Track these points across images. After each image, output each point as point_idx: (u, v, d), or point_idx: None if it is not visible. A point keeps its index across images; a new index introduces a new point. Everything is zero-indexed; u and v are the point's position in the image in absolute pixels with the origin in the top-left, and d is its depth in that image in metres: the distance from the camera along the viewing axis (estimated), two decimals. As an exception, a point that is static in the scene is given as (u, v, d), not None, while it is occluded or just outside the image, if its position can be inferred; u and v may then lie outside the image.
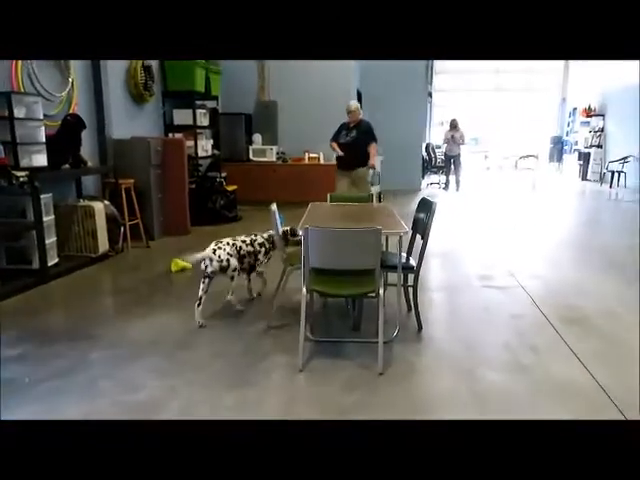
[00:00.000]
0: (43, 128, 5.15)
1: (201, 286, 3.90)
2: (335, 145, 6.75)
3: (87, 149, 6.12)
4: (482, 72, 18.13)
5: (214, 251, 3.91)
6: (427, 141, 14.74)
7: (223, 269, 3.91)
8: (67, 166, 5.59)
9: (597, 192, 13.06)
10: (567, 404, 2.87)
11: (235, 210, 8.37)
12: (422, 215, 3.91)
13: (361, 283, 3.34)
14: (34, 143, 5.03)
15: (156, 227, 6.90)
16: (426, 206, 3.87)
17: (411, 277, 3.89)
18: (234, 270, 3.94)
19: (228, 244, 3.98)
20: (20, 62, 5.16)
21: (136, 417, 2.70)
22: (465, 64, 17.26)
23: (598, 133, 15.02)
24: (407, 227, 3.68)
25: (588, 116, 15.73)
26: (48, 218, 5.08)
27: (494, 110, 19.61)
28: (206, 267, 3.89)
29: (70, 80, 5.95)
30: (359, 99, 11.51)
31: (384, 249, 3.99)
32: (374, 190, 9.11)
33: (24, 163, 4.88)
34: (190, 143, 7.84)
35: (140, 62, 7.09)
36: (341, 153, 6.69)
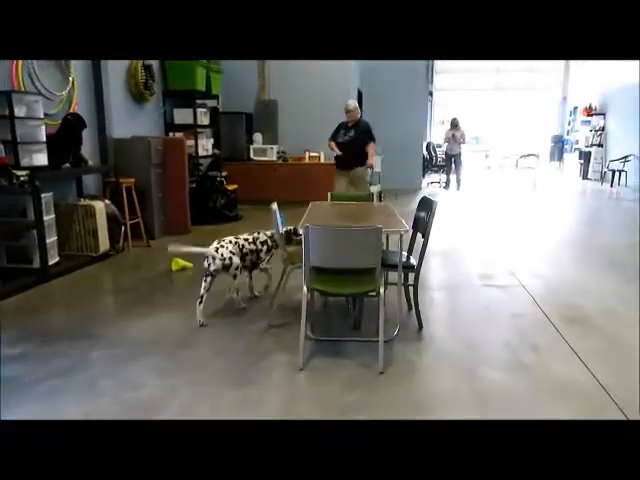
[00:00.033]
0: (44, 127, 5.15)
1: (203, 284, 3.91)
2: (333, 145, 6.75)
3: (88, 148, 6.12)
4: (483, 71, 18.11)
5: (217, 249, 3.92)
6: (428, 140, 14.74)
7: (226, 267, 3.91)
8: (68, 165, 5.59)
9: (598, 191, 13.06)
10: (568, 403, 2.87)
11: (236, 209, 8.37)
12: (423, 214, 3.91)
13: (362, 282, 3.34)
14: (35, 142, 5.03)
15: (157, 226, 6.90)
16: (427, 205, 3.87)
17: (412, 276, 3.88)
18: (236, 268, 3.95)
19: (230, 242, 3.99)
20: (20, 61, 5.16)
21: (137, 416, 2.71)
22: (466, 63, 17.24)
23: (599, 132, 15.02)
24: (408, 226, 3.68)
25: (589, 115, 15.73)
26: (49, 217, 5.08)
27: (495, 109, 19.60)
28: (209, 265, 3.90)
29: (70, 79, 5.95)
30: (359, 98, 11.51)
31: (385, 248, 3.99)
32: (374, 189, 9.11)
33: (25, 162, 4.88)
34: (191, 142, 7.84)
35: (140, 61, 7.09)
36: (339, 153, 6.69)
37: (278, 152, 9.89)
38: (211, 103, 8.81)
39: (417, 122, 13.03)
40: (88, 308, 4.34)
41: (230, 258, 3.91)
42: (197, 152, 8.06)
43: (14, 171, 4.64)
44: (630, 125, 12.81)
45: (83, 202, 5.73)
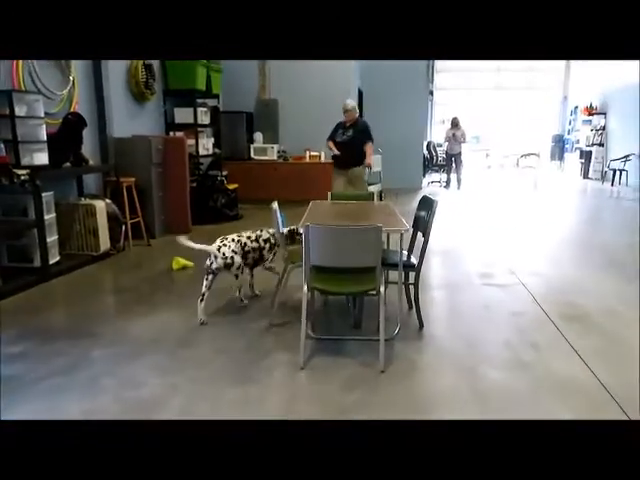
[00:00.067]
0: (44, 126, 5.15)
1: (204, 282, 3.92)
2: (331, 144, 6.76)
3: (88, 147, 6.12)
4: (483, 70, 18.12)
5: (219, 248, 3.93)
6: (428, 139, 14.73)
7: (227, 266, 3.93)
8: (68, 164, 5.59)
9: (598, 190, 13.05)
10: (568, 401, 2.88)
11: (236, 209, 8.38)
12: (423, 213, 3.92)
13: (362, 281, 3.34)
14: (35, 141, 5.04)
15: (157, 225, 6.90)
16: (427, 204, 3.87)
17: (412, 275, 3.89)
18: (238, 268, 3.96)
19: (233, 241, 4.00)
20: (21, 61, 5.16)
21: (138, 414, 2.72)
22: (466, 62, 17.24)
23: (600, 131, 15.01)
24: (408, 225, 3.68)
25: (590, 114, 15.72)
26: (49, 216, 5.09)
27: (495, 108, 19.60)
28: (211, 263, 3.92)
29: (71, 78, 5.95)
30: (360, 98, 11.51)
31: (385, 247, 3.99)
32: (375, 189, 9.11)
33: (25, 161, 4.89)
34: (191, 141, 7.84)
35: (141, 61, 7.09)
36: (337, 152, 6.69)
37: (279, 151, 9.89)
38: (212, 102, 8.81)
39: (417, 121, 13.02)
40: (89, 307, 4.34)
41: (232, 257, 3.92)
42: (198, 151, 8.07)
43: (15, 170, 4.64)
44: (631, 124, 12.81)
45: (84, 201, 5.73)
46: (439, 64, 16.21)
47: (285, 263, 3.91)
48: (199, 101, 8.24)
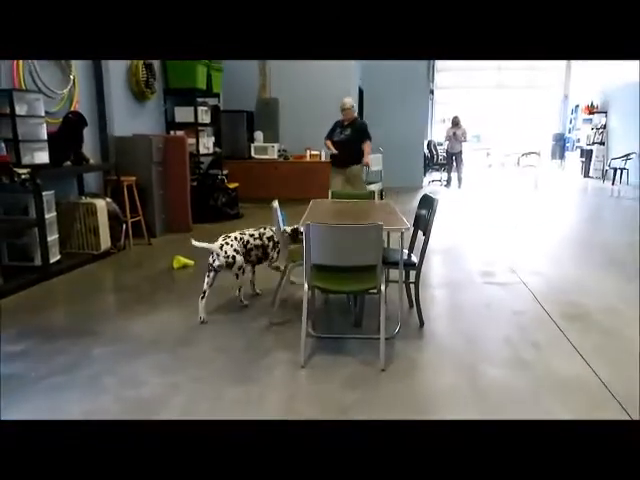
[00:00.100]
0: (45, 125, 5.15)
1: (206, 279, 3.93)
2: (329, 143, 6.75)
3: (89, 146, 6.12)
4: (484, 69, 18.10)
5: (221, 246, 3.95)
6: (429, 138, 14.73)
7: (229, 265, 3.95)
8: (69, 163, 5.59)
9: (599, 189, 13.04)
10: (569, 399, 2.88)
11: (237, 207, 8.38)
12: (424, 212, 3.92)
13: (363, 279, 3.34)
14: (36, 140, 5.03)
15: (158, 224, 6.90)
16: (428, 203, 3.87)
17: (413, 274, 3.89)
18: (239, 268, 3.96)
19: (236, 239, 4.01)
20: (21, 60, 5.16)
21: (138, 413, 2.72)
22: (467, 61, 17.22)
23: (600, 130, 15.00)
24: (409, 224, 3.68)
25: (590, 113, 15.71)
26: (50, 215, 5.09)
27: (496, 107, 19.59)
28: (213, 261, 3.93)
29: (71, 77, 5.95)
30: (360, 97, 11.51)
31: (386, 245, 3.99)
32: (375, 187, 9.10)
33: (26, 160, 4.88)
34: (192, 140, 7.83)
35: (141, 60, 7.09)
36: (335, 151, 6.68)
37: (279, 150, 9.88)
38: (212, 101, 8.79)
39: (418, 120, 13.01)
40: (89, 306, 4.34)
41: (233, 257, 3.93)
42: (198, 150, 8.06)
43: (15, 169, 4.64)
44: (632, 123, 12.80)
45: (84, 200, 5.73)
46: (439, 63, 16.20)
47: (286, 262, 3.91)
48: (200, 100, 8.23)
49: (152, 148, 6.71)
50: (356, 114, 6.86)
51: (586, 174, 15.41)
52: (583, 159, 15.74)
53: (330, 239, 3.24)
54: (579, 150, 16.33)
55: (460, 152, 13.32)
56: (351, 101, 6.77)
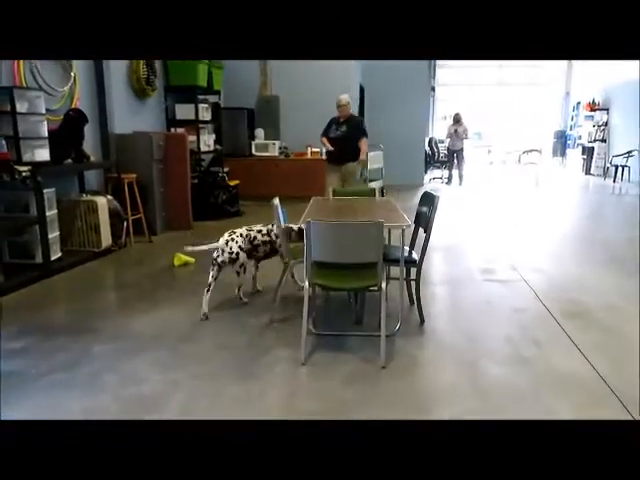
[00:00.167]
0: (45, 123, 5.15)
1: (211, 273, 3.97)
2: (325, 140, 6.73)
3: (89, 144, 6.13)
4: (485, 66, 18.07)
5: (227, 242, 3.97)
6: (430, 135, 14.71)
7: (232, 261, 3.97)
8: (70, 161, 5.59)
9: (600, 186, 13.02)
10: (569, 396, 2.88)
11: (237, 205, 8.37)
12: (425, 209, 3.91)
13: (363, 277, 3.34)
14: (36, 138, 5.04)
15: (158, 222, 6.91)
16: (429, 200, 3.86)
17: (413, 271, 3.89)
18: (240, 266, 3.98)
19: (241, 235, 4.03)
20: (22, 57, 5.16)
21: (139, 410, 2.72)
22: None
23: (602, 127, 14.96)
24: (410, 221, 3.67)
25: (592, 110, 15.67)
26: (51, 213, 5.09)
27: (497, 104, 19.57)
28: (217, 256, 3.96)
29: (72, 75, 5.95)
30: (361, 94, 11.49)
31: (386, 243, 3.99)
32: (377, 185, 9.10)
33: (27, 158, 4.89)
34: (192, 138, 7.82)
35: (142, 57, 7.08)
36: (331, 148, 6.66)
37: (280, 148, 9.87)
38: (213, 99, 8.79)
39: (419, 117, 12.99)
40: (90, 303, 4.35)
41: (237, 253, 3.95)
42: (199, 148, 8.05)
43: (16, 167, 4.65)
44: (633, 120, 12.75)
45: (85, 198, 5.74)
46: (441, 60, 16.16)
47: (287, 259, 3.91)
48: (200, 97, 8.22)
49: (153, 145, 6.71)
50: (352, 110, 6.81)
51: (587, 171, 15.38)
52: (584, 156, 15.70)
53: (331, 236, 3.24)
54: (580, 147, 16.29)
55: (461, 149, 13.31)
56: (347, 97, 6.72)
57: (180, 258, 5.39)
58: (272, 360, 3.28)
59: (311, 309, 3.54)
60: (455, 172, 13.43)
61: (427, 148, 13.83)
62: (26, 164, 4.77)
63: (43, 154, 5.08)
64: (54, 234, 5.14)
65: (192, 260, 5.39)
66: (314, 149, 9.61)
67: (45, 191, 4.92)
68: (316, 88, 9.96)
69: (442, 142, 14.50)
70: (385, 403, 2.82)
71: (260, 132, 9.95)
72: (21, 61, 5.16)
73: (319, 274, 3.35)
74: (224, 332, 3.73)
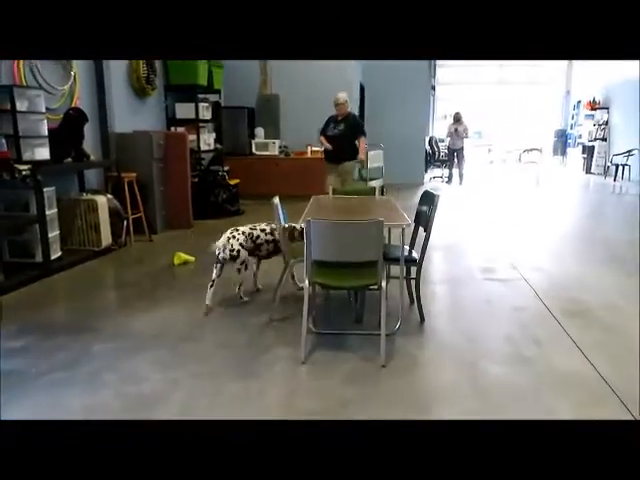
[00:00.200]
0: (45, 121, 5.15)
1: (214, 270, 4.01)
2: (323, 139, 6.72)
3: (90, 143, 6.12)
4: (486, 65, 18.04)
5: (228, 239, 4.01)
6: (430, 134, 14.70)
7: (233, 258, 4.00)
8: (70, 160, 5.59)
9: (601, 185, 13.01)
10: (569, 395, 2.87)
11: (237, 204, 8.37)
12: (425, 208, 3.91)
13: (363, 275, 3.34)
14: (36, 136, 5.04)
15: (159, 221, 6.91)
16: (429, 199, 3.86)
17: (414, 270, 3.89)
18: (242, 263, 3.98)
19: (243, 234, 4.05)
20: (22, 56, 5.16)
21: (139, 409, 2.72)
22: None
23: (602, 126, 14.95)
24: (410, 220, 3.67)
25: (592, 109, 15.66)
26: (51, 212, 5.09)
27: (498, 103, 19.53)
28: (219, 253, 3.99)
29: (72, 74, 5.94)
30: (362, 93, 11.48)
31: (387, 242, 3.98)
32: (377, 184, 9.08)
33: (27, 156, 4.89)
34: (192, 137, 7.82)
35: (142, 55, 7.08)
36: (330, 147, 6.65)
37: (280, 147, 9.87)
38: (213, 98, 8.79)
39: (420, 116, 12.98)
40: (90, 302, 4.35)
41: (238, 251, 3.96)
42: (199, 147, 8.05)
43: (16, 165, 4.65)
44: (634, 119, 12.75)
45: (85, 197, 5.74)
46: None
47: (287, 258, 3.91)
48: (200, 96, 8.22)
49: (153, 144, 6.71)
50: (350, 109, 6.79)
51: (588, 170, 15.37)
52: (585, 155, 15.69)
53: (331, 235, 3.24)
54: (581, 146, 16.28)
55: (462, 148, 13.30)
56: (345, 96, 6.69)
57: (180, 257, 5.39)
58: (272, 359, 3.28)
59: (311, 308, 3.54)
60: (455, 171, 13.42)
61: (427, 147, 13.82)
62: (26, 163, 4.77)
63: (43, 153, 5.08)
64: (54, 233, 5.14)
65: (192, 259, 5.39)
66: (314, 148, 9.60)
67: (45, 190, 4.92)
68: (316, 87, 9.95)
69: (442, 141, 14.49)
70: (385, 402, 2.82)
71: (260, 131, 9.95)
72: (21, 60, 5.16)
73: (319, 273, 3.35)
74: (224, 331, 3.73)
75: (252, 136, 9.91)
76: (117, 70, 6.73)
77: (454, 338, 3.65)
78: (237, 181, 8.50)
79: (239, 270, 4.02)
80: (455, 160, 13.39)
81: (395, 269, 3.93)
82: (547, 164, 17.21)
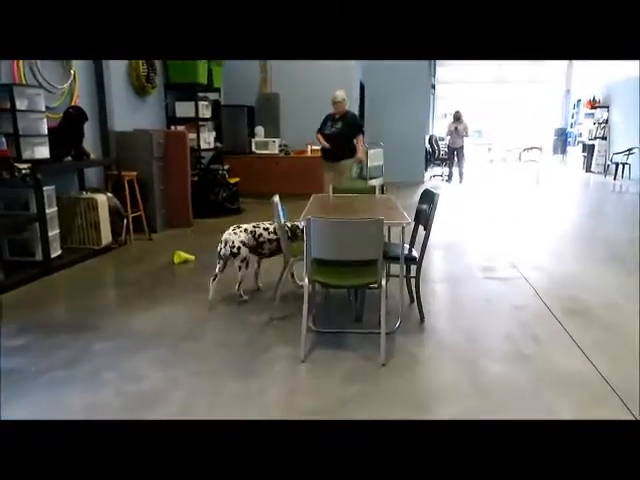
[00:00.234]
0: (45, 120, 5.15)
1: (217, 265, 4.05)
2: (321, 137, 6.71)
3: (89, 141, 6.12)
4: (486, 64, 18.01)
5: (229, 235, 4.04)
6: (430, 133, 14.69)
7: (234, 255, 4.01)
8: (69, 158, 5.59)
9: (601, 184, 13.01)
10: (569, 394, 2.88)
11: (237, 202, 8.37)
12: (425, 206, 3.91)
13: (363, 274, 3.34)
14: (36, 135, 5.03)
15: (158, 219, 6.90)
16: (429, 197, 3.86)
17: (413, 268, 3.88)
18: (242, 260, 3.99)
19: (245, 231, 4.06)
20: (22, 54, 5.15)
21: (139, 408, 2.72)
22: (468, 57, 17.12)
23: (602, 125, 14.95)
24: (410, 218, 3.67)
25: (592, 108, 15.65)
26: (51, 210, 5.09)
27: (498, 102, 19.53)
28: (220, 249, 4.01)
29: (72, 72, 5.94)
30: (362, 91, 11.47)
31: (386, 240, 3.98)
32: (377, 182, 9.09)
33: (26, 155, 4.89)
34: (192, 135, 7.82)
35: (142, 54, 7.06)
36: (327, 145, 6.64)
37: (280, 145, 9.86)
38: (213, 96, 8.78)
39: (420, 115, 12.98)
40: (90, 301, 4.35)
41: (239, 248, 3.97)
42: (199, 145, 8.05)
43: (16, 164, 4.64)
44: (634, 118, 12.74)
45: (85, 195, 5.73)
46: (441, 58, 16.15)
47: (287, 256, 3.91)
48: (200, 95, 8.21)
49: (153, 143, 6.70)
50: (348, 107, 6.78)
51: (588, 169, 15.37)
52: (585, 154, 15.69)
53: (331, 234, 3.24)
54: (581, 145, 16.27)
55: (462, 147, 13.29)
56: (342, 94, 6.67)
57: (180, 256, 5.39)
58: (272, 357, 3.28)
59: (311, 306, 3.54)
60: (455, 170, 13.42)
61: (427, 146, 13.81)
62: (26, 161, 4.77)
63: (43, 152, 5.08)
64: (54, 232, 5.14)
65: (192, 258, 5.40)
66: (314, 147, 9.56)
67: (45, 189, 4.92)
68: (316, 86, 9.93)
69: (442, 140, 14.49)
70: (385, 401, 2.82)
71: (260, 130, 9.95)
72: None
73: (319, 271, 3.35)
74: (224, 329, 3.73)
75: (252, 135, 9.91)
76: (117, 69, 6.72)
77: (454, 337, 3.66)
78: (237, 180, 8.49)
79: (240, 267, 4.02)
80: (455, 159, 13.39)
81: (395, 268, 3.93)
82: (547, 163, 17.21)
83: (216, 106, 8.76)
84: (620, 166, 13.21)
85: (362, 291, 3.84)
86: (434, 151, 14.25)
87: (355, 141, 6.72)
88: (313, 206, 4.13)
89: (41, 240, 4.91)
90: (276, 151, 9.74)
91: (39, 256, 4.94)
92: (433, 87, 15.01)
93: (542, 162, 15.96)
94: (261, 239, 4.10)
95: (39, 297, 4.44)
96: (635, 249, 5.84)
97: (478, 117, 18.63)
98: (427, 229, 3.73)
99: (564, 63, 17.82)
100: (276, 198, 3.89)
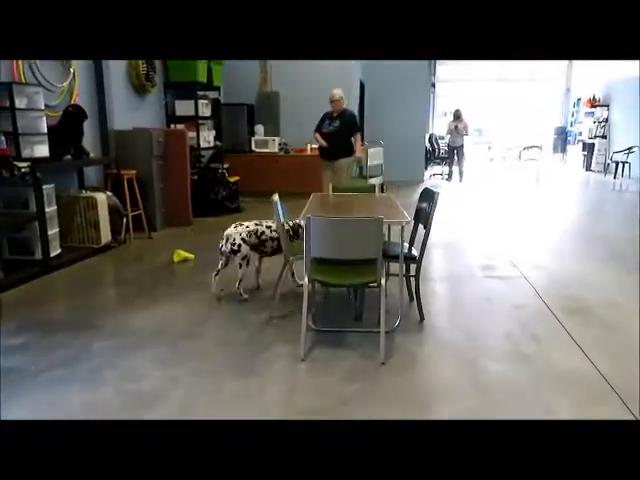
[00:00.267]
0: (45, 119, 5.13)
1: (219, 262, 4.09)
2: (318, 136, 6.70)
3: (89, 140, 6.11)
4: (486, 62, 18.00)
5: (230, 232, 4.06)
6: (430, 132, 14.69)
7: (234, 252, 4.02)
8: (69, 157, 5.58)
9: (601, 183, 13.01)
10: (569, 392, 2.88)
11: (237, 201, 8.36)
12: (425, 205, 3.91)
13: (363, 273, 3.34)
14: (36, 134, 5.02)
15: (158, 218, 6.90)
16: (429, 196, 3.86)
17: (413, 267, 3.88)
18: (243, 258, 3.99)
19: (247, 228, 4.06)
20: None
21: (138, 407, 2.72)
22: (468, 56, 17.12)
23: (602, 123, 14.94)
24: (409, 217, 3.67)
25: (592, 106, 15.64)
26: (50, 209, 5.08)
27: (498, 101, 19.53)
28: (221, 246, 4.05)
29: (71, 71, 5.93)
30: (362, 90, 11.46)
31: (386, 239, 3.98)
32: (376, 181, 9.08)
33: (26, 154, 4.88)
34: (192, 134, 7.81)
35: (141, 52, 7.06)
36: (325, 144, 6.63)
37: (280, 144, 9.86)
38: (213, 95, 8.77)
39: (420, 114, 12.97)
40: (90, 299, 4.34)
41: (239, 245, 3.97)
42: (199, 144, 8.04)
43: (15, 162, 4.64)
44: (634, 116, 12.74)
45: (85, 194, 5.73)
46: (441, 56, 16.12)
47: (287, 255, 3.91)
48: (200, 93, 8.20)
49: (152, 142, 6.69)
50: (346, 105, 6.77)
51: (588, 168, 15.36)
52: (585, 153, 15.69)
53: (330, 232, 3.24)
54: (581, 144, 16.27)
55: (462, 146, 13.29)
56: (340, 92, 6.66)
57: (179, 254, 5.38)
58: (272, 356, 3.28)
59: (311, 305, 3.53)
60: (455, 168, 13.42)
61: (427, 144, 13.81)
62: (25, 160, 4.76)
63: (42, 150, 5.07)
64: (53, 230, 5.14)
65: (191, 256, 5.39)
66: (314, 145, 9.58)
67: (44, 187, 4.91)
68: (316, 84, 9.91)
69: (442, 138, 14.49)
70: (385, 399, 2.82)
71: (260, 128, 9.94)
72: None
73: (319, 270, 3.35)
74: (224, 328, 3.73)
75: (252, 133, 9.90)
76: (117, 67, 6.71)
77: (454, 335, 3.65)
78: (237, 178, 8.48)
79: (240, 265, 4.02)
80: (455, 157, 13.39)
81: (395, 266, 3.93)
82: (547, 161, 17.20)
83: (216, 104, 8.75)
84: (620, 165, 13.21)
85: (362, 290, 3.84)
86: (434, 150, 14.24)
87: (353, 140, 6.70)
88: (313, 205, 4.12)
89: (41, 239, 4.91)
90: (276, 150, 9.74)
91: (39, 255, 4.93)
92: (433, 86, 15.00)
93: (542, 161, 15.95)
94: (263, 237, 4.10)
95: (39, 296, 4.44)
96: (635, 248, 5.84)
97: (478, 116, 18.64)
98: (427, 228, 3.72)
99: (564, 62, 17.80)
100: (276, 197, 3.89)
